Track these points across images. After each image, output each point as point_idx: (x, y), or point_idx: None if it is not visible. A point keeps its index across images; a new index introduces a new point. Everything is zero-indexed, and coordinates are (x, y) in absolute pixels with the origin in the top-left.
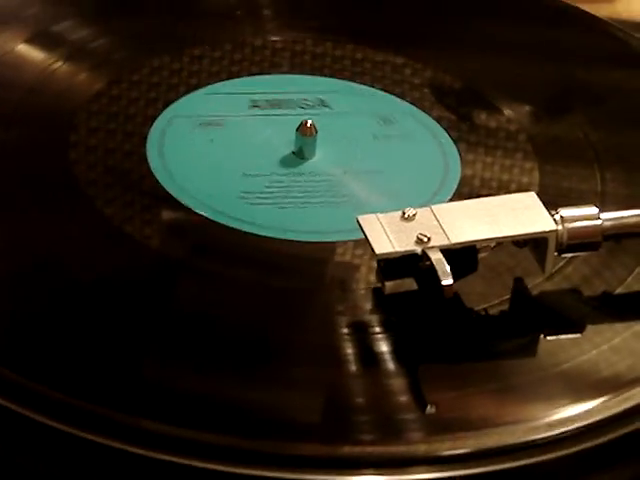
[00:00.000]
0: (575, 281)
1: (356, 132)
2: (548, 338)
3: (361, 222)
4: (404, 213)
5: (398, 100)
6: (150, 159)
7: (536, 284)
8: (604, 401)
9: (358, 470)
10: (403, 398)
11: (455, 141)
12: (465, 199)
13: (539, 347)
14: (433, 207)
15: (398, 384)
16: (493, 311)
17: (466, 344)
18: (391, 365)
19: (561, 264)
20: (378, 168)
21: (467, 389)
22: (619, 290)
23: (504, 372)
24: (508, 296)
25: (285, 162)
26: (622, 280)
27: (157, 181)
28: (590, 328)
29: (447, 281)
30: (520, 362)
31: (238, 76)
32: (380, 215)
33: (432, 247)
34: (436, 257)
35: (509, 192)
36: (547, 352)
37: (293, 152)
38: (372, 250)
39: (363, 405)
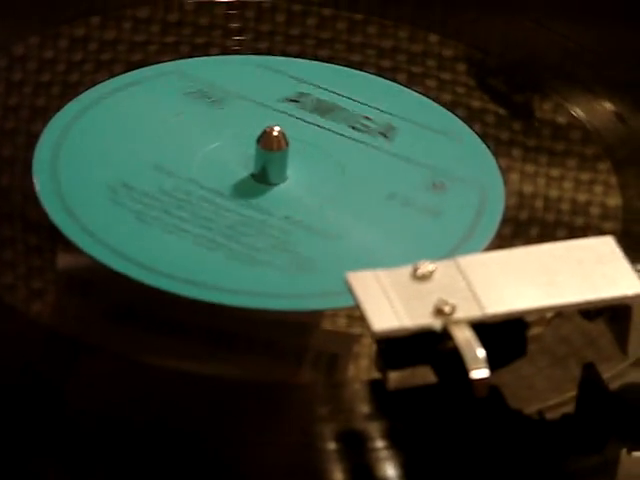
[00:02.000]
0: None
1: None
2: (635, 455)
3: (352, 283)
4: (416, 269)
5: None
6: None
7: (616, 373)
8: None
9: None
10: None
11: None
12: (509, 247)
13: (622, 468)
14: (460, 260)
15: None
16: (552, 415)
17: (511, 466)
18: None
19: None
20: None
21: None
22: None
23: None
24: (574, 392)
25: (240, 190)
26: None
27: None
28: None
29: (479, 372)
30: None
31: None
32: (381, 272)
33: (458, 320)
34: (463, 336)
35: (574, 233)
36: (634, 477)
37: (252, 175)
38: (368, 326)
39: None
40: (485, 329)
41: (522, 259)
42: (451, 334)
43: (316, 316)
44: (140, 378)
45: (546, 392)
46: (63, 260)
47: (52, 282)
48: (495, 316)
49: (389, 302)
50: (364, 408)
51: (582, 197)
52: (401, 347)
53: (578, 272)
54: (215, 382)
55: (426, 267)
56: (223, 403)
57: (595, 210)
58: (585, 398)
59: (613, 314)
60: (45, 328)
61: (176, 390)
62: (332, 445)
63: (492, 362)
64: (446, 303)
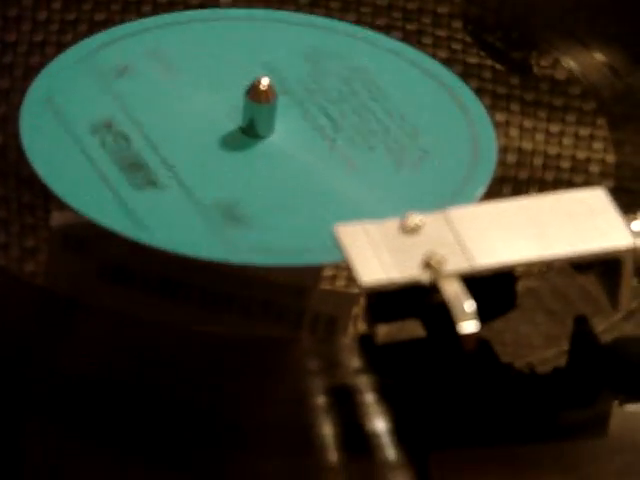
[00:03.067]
0: None
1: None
2: (628, 408)
3: (341, 236)
4: (405, 222)
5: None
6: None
7: (607, 327)
8: None
9: None
10: None
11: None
12: (503, 196)
13: (613, 423)
14: (449, 212)
15: None
16: (543, 368)
17: (500, 420)
18: (388, 453)
19: None
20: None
21: None
22: None
23: (562, 461)
24: (566, 346)
25: (228, 144)
26: None
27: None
28: None
29: (468, 326)
30: (585, 446)
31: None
32: (369, 225)
33: (447, 273)
34: (451, 289)
35: (570, 183)
36: (626, 430)
37: (240, 128)
38: (356, 278)
39: None
40: (474, 282)
41: (512, 211)
42: (439, 287)
43: (307, 272)
44: (133, 335)
45: (538, 345)
46: (53, 217)
47: (41, 240)
48: (484, 269)
49: (377, 255)
50: (355, 363)
51: (576, 153)
52: (389, 300)
53: (569, 224)
54: (209, 339)
55: (415, 220)
56: (218, 360)
57: (589, 167)
58: (577, 351)
59: (604, 267)
60: (37, 287)
61: (170, 347)
62: (322, 400)
63: (481, 315)
64: (435, 256)
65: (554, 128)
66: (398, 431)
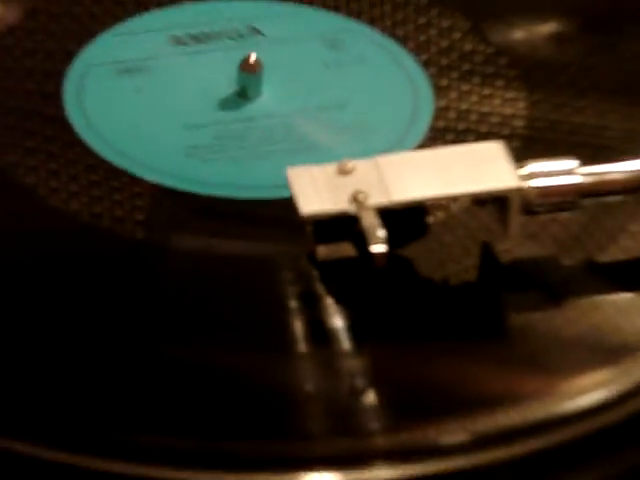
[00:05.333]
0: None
1: (303, 61)
2: (522, 314)
3: (290, 176)
4: (341, 166)
5: (345, 19)
6: (73, 121)
7: (505, 249)
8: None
9: (310, 469)
10: (353, 381)
11: (423, 66)
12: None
13: (509, 323)
14: (378, 159)
15: (347, 365)
16: (454, 280)
17: (423, 319)
18: (339, 344)
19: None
20: (336, 103)
21: (425, 370)
22: (601, 257)
23: (471, 351)
24: (474, 263)
25: (227, 106)
26: (603, 247)
27: (86, 146)
28: (572, 300)
29: (378, 247)
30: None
31: (147, 9)
32: (313, 168)
33: (369, 207)
34: (368, 218)
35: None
36: (519, 328)
37: (235, 92)
38: (298, 209)
39: (309, 394)
40: (393, 214)
41: (428, 158)
42: (359, 217)
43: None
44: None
45: (449, 263)
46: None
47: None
48: (399, 203)
49: (317, 192)
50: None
51: (500, 110)
52: (327, 227)
53: (469, 169)
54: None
55: (349, 164)
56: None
57: (500, 119)
58: (481, 267)
59: (497, 204)
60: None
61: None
62: (293, 304)
63: (399, 239)
64: (361, 192)
65: (485, 91)
66: (350, 327)
